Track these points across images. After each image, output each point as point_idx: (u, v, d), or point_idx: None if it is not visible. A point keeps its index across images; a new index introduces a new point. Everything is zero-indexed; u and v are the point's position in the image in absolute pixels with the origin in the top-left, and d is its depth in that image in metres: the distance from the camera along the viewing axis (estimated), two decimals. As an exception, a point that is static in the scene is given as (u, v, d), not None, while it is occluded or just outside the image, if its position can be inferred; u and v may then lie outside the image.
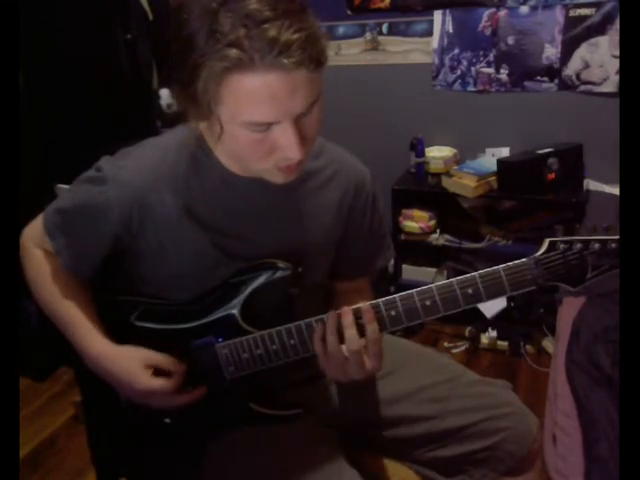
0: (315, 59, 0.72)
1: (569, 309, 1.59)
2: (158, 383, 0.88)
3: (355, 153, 1.05)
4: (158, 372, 0.90)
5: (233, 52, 0.68)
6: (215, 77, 0.70)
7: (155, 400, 0.90)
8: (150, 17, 2.07)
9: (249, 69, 0.69)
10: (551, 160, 2.17)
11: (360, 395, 1.07)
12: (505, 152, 2.39)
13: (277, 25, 0.68)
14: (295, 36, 0.69)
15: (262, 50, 0.68)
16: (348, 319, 0.84)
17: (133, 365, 0.89)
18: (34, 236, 0.99)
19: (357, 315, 0.85)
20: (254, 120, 0.74)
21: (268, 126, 0.75)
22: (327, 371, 0.89)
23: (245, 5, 0.68)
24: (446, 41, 2.40)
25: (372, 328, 0.84)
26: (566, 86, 2.26)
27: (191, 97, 0.74)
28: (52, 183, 1.07)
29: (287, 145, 0.76)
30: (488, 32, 2.32)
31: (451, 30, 2.38)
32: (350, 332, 0.84)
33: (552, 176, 2.18)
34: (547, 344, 2.26)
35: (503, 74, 2.35)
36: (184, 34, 0.72)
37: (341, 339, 0.85)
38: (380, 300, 0.85)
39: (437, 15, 2.38)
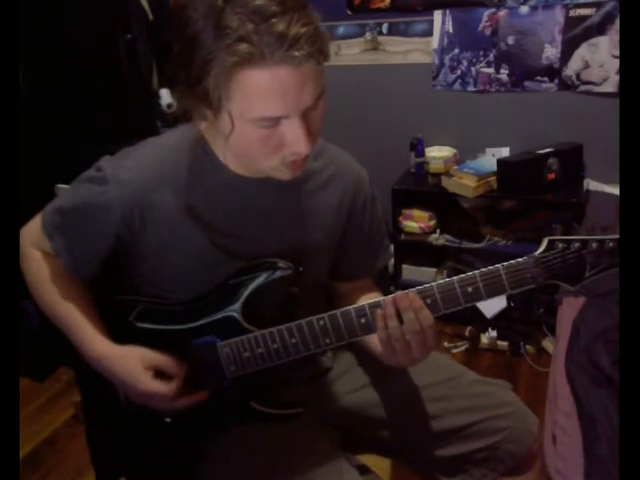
0: (323, 52, 0.73)
1: (569, 309, 1.59)
2: (159, 387, 0.88)
3: (355, 153, 1.05)
4: (159, 373, 0.90)
5: (243, 47, 0.69)
6: (225, 73, 0.71)
7: (155, 402, 0.90)
8: (150, 17, 2.07)
9: (259, 64, 0.70)
10: (551, 160, 2.17)
11: (361, 395, 1.08)
12: (505, 152, 2.39)
13: (285, 19, 0.69)
14: (303, 30, 0.70)
15: (272, 45, 0.69)
16: (405, 303, 0.83)
17: (134, 366, 0.89)
18: (32, 237, 0.98)
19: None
20: (264, 115, 0.74)
21: (276, 121, 0.76)
22: (391, 359, 0.88)
23: (251, 1, 0.69)
24: (446, 41, 2.41)
25: (424, 314, 0.83)
26: (566, 86, 2.27)
27: (198, 96, 0.75)
28: (52, 183, 1.07)
29: (295, 139, 0.77)
30: (488, 32, 2.32)
31: (451, 30, 2.38)
32: (409, 315, 0.83)
33: (552, 176, 2.18)
34: (547, 344, 2.26)
35: (503, 74, 2.35)
36: (189, 33, 0.72)
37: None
38: (382, 298, 0.85)
39: (437, 15, 2.38)
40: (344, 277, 1.09)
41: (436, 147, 2.53)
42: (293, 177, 0.85)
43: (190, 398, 0.91)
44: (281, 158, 0.80)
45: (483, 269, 0.82)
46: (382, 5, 2.44)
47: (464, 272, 0.83)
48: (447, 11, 2.36)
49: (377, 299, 0.86)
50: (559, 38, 2.22)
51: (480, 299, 0.83)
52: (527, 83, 2.33)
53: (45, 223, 0.95)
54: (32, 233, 0.97)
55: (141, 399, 0.90)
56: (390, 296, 0.85)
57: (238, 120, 0.76)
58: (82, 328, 0.93)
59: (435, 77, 2.47)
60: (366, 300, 0.87)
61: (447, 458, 1.02)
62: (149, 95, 2.11)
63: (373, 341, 0.92)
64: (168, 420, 0.95)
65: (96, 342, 0.92)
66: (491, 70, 2.37)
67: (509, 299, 2.32)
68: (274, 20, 0.69)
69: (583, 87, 2.24)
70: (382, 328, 0.85)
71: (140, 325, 0.96)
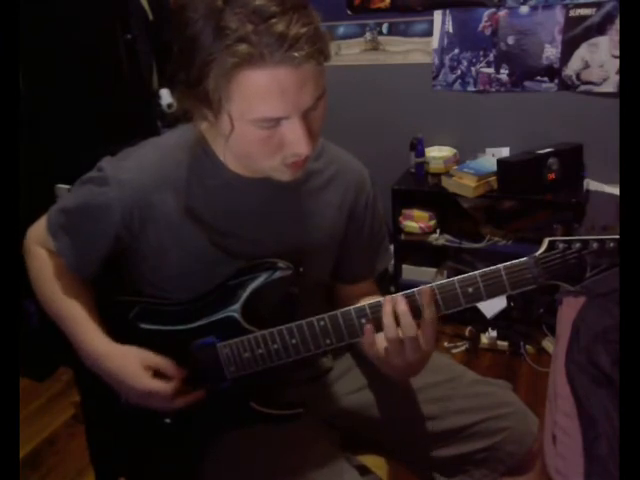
0: (323, 52, 0.73)
1: (569, 309, 1.59)
2: (157, 385, 0.88)
3: (355, 153, 1.05)
4: (158, 374, 0.90)
5: (243, 47, 0.68)
6: (225, 74, 0.71)
7: (154, 402, 0.90)
8: (150, 17, 2.07)
9: (259, 65, 0.70)
10: (551, 160, 2.17)
11: (361, 396, 1.07)
12: (505, 152, 2.39)
13: (285, 20, 0.68)
14: (303, 30, 0.69)
15: (271, 45, 0.68)
16: (403, 307, 0.82)
17: (133, 365, 0.89)
18: (38, 236, 0.99)
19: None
20: (264, 116, 0.74)
21: (277, 122, 0.75)
22: (387, 361, 0.87)
23: (251, 1, 0.69)
24: (446, 41, 2.41)
25: (430, 310, 0.82)
26: (566, 86, 2.27)
27: (198, 96, 0.75)
28: (53, 183, 1.07)
29: (296, 140, 0.77)
30: (488, 32, 2.32)
31: (451, 30, 2.38)
32: (406, 318, 0.82)
33: (552, 176, 2.18)
34: (547, 344, 2.26)
35: (503, 74, 2.35)
36: (189, 34, 0.72)
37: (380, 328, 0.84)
38: (382, 299, 0.85)
39: (437, 15, 2.38)
40: (345, 278, 1.09)
41: (436, 147, 2.53)
42: (293, 178, 0.85)
43: (188, 397, 0.91)
44: (281, 159, 0.80)
45: (483, 269, 0.82)
46: (382, 5, 2.44)
47: (464, 272, 0.83)
48: (447, 11, 2.36)
49: (377, 299, 0.86)
50: (559, 38, 2.22)
51: (480, 299, 0.83)
52: (527, 83, 2.33)
53: (50, 223, 0.96)
54: (38, 232, 0.99)
55: (140, 399, 0.90)
56: (397, 296, 0.83)
57: (238, 121, 0.76)
58: (82, 325, 0.93)
59: (435, 77, 2.47)
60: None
61: (447, 458, 1.02)
62: (149, 95, 2.10)
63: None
64: (168, 421, 0.95)
65: (96, 340, 0.92)
66: (491, 70, 2.37)
67: (509, 299, 2.32)
68: (274, 20, 0.68)
69: (583, 87, 2.24)
70: (391, 326, 0.83)
71: (140, 325, 0.96)
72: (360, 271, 1.09)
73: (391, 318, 0.82)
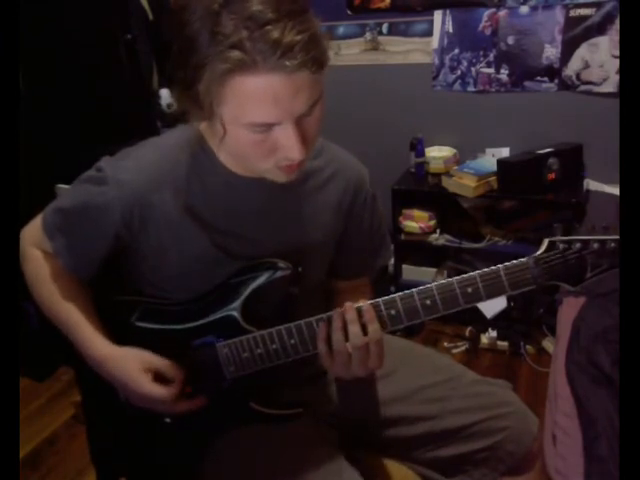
0: (317, 60, 0.72)
1: (569, 309, 1.59)
2: (158, 390, 0.88)
3: (355, 153, 1.05)
4: (158, 376, 0.90)
5: (235, 54, 0.68)
6: (217, 78, 0.71)
7: (155, 405, 0.90)
8: (150, 17, 2.07)
9: (251, 71, 0.69)
10: (551, 160, 2.17)
11: (360, 394, 1.07)
12: (505, 152, 2.39)
13: (280, 27, 0.68)
14: (298, 37, 0.69)
15: (265, 52, 0.68)
16: (352, 315, 0.84)
17: (133, 368, 0.89)
18: (32, 237, 0.98)
19: (359, 314, 0.85)
20: (256, 121, 0.74)
21: (270, 126, 0.75)
22: (330, 369, 0.89)
23: (247, 7, 0.68)
24: (446, 41, 2.41)
25: (374, 328, 0.84)
26: (566, 86, 2.27)
27: (193, 98, 0.75)
28: (52, 183, 1.07)
29: (288, 146, 0.76)
30: (488, 32, 2.32)
31: (451, 30, 2.38)
32: (354, 328, 0.84)
33: (552, 176, 2.18)
34: (547, 344, 2.26)
35: (503, 74, 2.35)
36: (186, 35, 0.72)
37: (345, 336, 0.85)
38: (380, 299, 0.85)
39: (437, 15, 2.38)
40: (343, 275, 1.09)
41: (436, 147, 2.53)
42: (287, 180, 0.85)
43: (189, 403, 0.91)
44: (275, 162, 0.80)
45: (483, 270, 0.82)
46: (382, 5, 2.44)
47: (464, 272, 0.83)
48: (447, 11, 2.36)
49: (376, 300, 0.85)
50: (559, 38, 2.22)
51: (480, 300, 0.83)
52: (527, 83, 2.33)
53: (46, 223, 0.95)
54: (33, 233, 0.98)
55: (141, 402, 0.90)
56: (340, 309, 0.85)
57: (232, 124, 0.76)
58: (82, 328, 0.93)
59: (435, 77, 2.47)
60: (356, 303, 0.86)
61: (447, 458, 1.02)
62: (149, 95, 2.11)
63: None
64: (168, 420, 0.96)
65: (96, 343, 0.92)
66: (491, 70, 2.37)
67: (509, 299, 2.32)
68: (269, 27, 0.68)
69: (583, 87, 2.24)
70: (323, 340, 0.85)
71: (140, 325, 0.96)
72: (358, 269, 1.09)
73: (340, 333, 0.84)
